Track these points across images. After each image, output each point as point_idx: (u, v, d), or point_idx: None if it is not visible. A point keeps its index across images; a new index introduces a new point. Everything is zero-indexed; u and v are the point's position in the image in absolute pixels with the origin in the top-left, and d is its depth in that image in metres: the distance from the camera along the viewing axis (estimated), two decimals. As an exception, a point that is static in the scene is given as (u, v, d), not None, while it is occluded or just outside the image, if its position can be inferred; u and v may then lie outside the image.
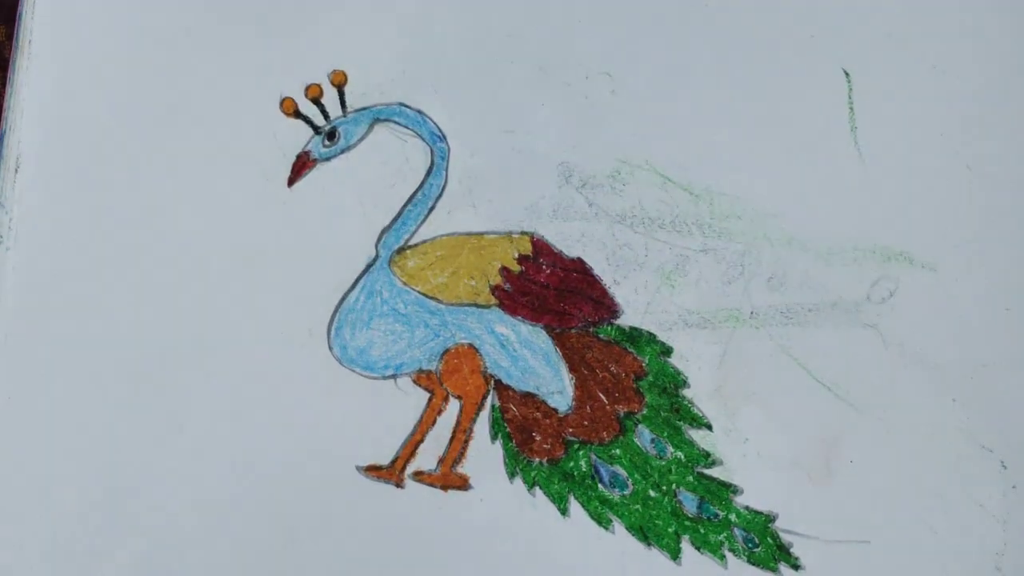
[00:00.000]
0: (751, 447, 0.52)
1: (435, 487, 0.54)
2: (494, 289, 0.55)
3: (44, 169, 0.57)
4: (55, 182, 0.57)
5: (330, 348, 0.55)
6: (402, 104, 0.57)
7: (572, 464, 0.53)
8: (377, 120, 0.57)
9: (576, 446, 0.53)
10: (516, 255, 0.55)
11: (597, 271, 0.55)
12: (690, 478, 0.53)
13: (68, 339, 0.56)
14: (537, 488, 0.54)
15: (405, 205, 0.57)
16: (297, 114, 0.57)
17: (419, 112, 0.57)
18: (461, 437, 0.54)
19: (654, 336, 0.54)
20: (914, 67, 0.56)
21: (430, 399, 0.55)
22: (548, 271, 0.55)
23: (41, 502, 0.53)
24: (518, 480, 0.54)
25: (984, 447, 0.51)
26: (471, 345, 0.55)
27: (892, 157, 0.55)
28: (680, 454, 0.53)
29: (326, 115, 0.57)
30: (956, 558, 0.51)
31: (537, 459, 0.54)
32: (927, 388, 0.53)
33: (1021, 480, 0.51)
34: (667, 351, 0.54)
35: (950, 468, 0.52)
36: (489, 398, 0.55)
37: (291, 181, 0.57)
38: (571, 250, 0.56)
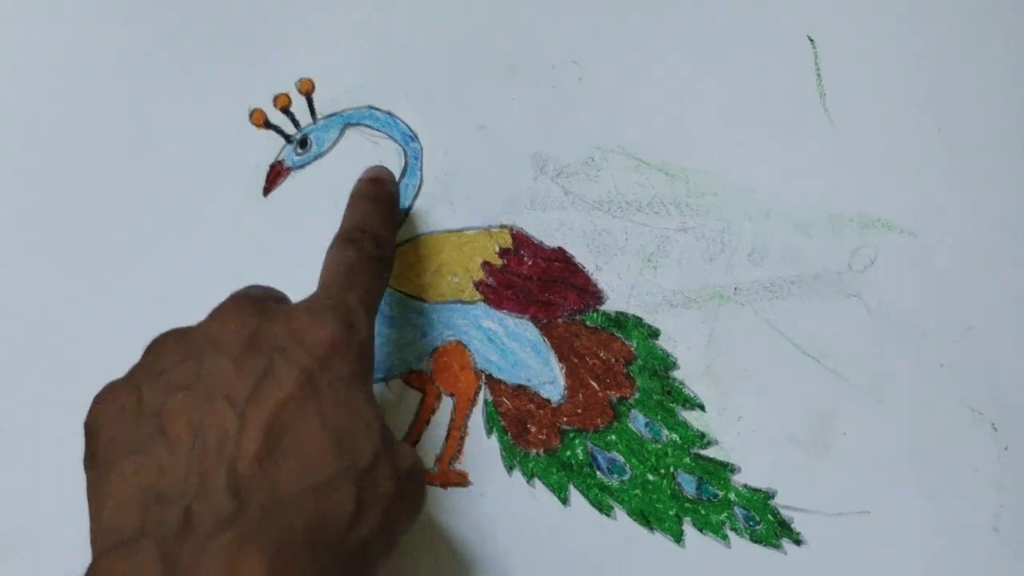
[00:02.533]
0: (745, 425, 0.51)
1: (435, 485, 0.52)
2: (477, 284, 0.53)
3: (10, 192, 0.55)
4: (22, 204, 0.55)
5: (318, 356, 0.51)
6: (371, 107, 0.55)
7: (569, 453, 0.52)
8: (348, 125, 0.55)
9: (571, 435, 0.52)
10: (497, 249, 0.53)
11: (578, 259, 0.53)
12: (687, 459, 0.51)
13: (45, 356, 0.54)
14: (536, 479, 0.52)
15: (383, 207, 0.52)
16: (267, 125, 0.55)
17: (389, 114, 0.55)
18: (456, 434, 0.52)
19: (640, 319, 0.52)
20: (879, 29, 0.54)
21: (422, 399, 0.53)
22: (530, 263, 0.53)
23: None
24: (517, 473, 0.52)
25: (975, 410, 0.50)
26: (459, 342, 0.53)
27: (863, 122, 0.53)
28: (675, 436, 0.51)
29: (296, 124, 0.55)
30: (954, 522, 0.49)
31: (534, 450, 0.52)
32: (914, 354, 0.51)
33: (1013, 442, 0.50)
34: (654, 333, 0.52)
35: (942, 434, 0.50)
36: (481, 393, 0.53)
37: (266, 191, 0.55)
38: (551, 240, 0.54)
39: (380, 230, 0.49)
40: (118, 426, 0.41)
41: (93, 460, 0.40)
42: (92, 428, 0.41)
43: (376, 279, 0.47)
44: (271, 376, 0.41)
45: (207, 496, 0.37)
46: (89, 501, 0.40)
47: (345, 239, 0.48)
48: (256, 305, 0.43)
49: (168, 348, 0.43)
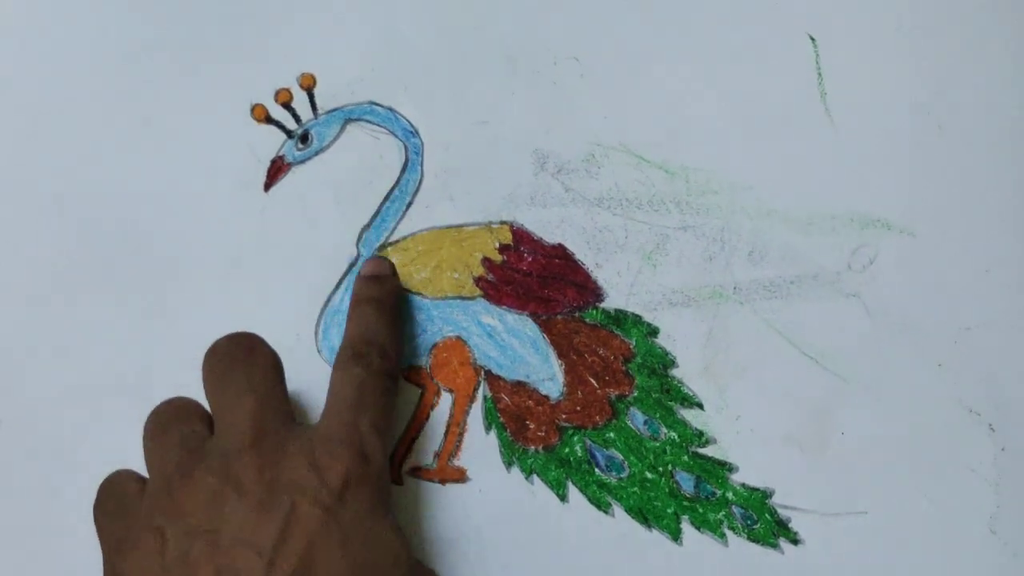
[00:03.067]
0: (743, 424, 0.50)
1: (433, 482, 0.52)
2: (477, 280, 0.53)
3: (12, 185, 0.55)
4: (22, 200, 0.55)
5: (319, 351, 0.53)
6: (372, 102, 0.55)
7: (568, 450, 0.51)
8: (349, 120, 0.55)
9: (570, 432, 0.51)
10: (497, 245, 0.53)
11: (578, 256, 0.53)
12: (685, 458, 0.51)
13: (43, 351, 0.54)
14: (535, 476, 0.51)
15: (383, 203, 0.54)
16: (269, 119, 0.55)
17: (390, 109, 0.54)
18: (455, 430, 0.52)
19: (640, 317, 0.52)
20: (880, 28, 0.53)
21: (421, 394, 0.53)
22: (530, 259, 0.53)
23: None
24: (515, 469, 0.52)
25: (972, 411, 0.50)
26: (459, 338, 0.53)
27: (863, 122, 0.52)
28: (674, 434, 0.51)
29: (297, 119, 0.55)
30: (951, 523, 0.49)
31: (532, 447, 0.52)
32: (912, 354, 0.51)
33: (1010, 442, 0.50)
34: (653, 331, 0.51)
35: (940, 434, 0.50)
36: (480, 389, 0.52)
37: (267, 186, 0.55)
38: (551, 236, 0.53)
39: (386, 340, 0.49)
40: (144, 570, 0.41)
41: None
42: (115, 565, 0.42)
43: (386, 396, 0.48)
44: (294, 519, 0.41)
45: None
46: None
47: (352, 354, 0.48)
48: (272, 436, 0.43)
49: (187, 488, 0.42)
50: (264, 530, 0.41)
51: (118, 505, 0.44)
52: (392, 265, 0.52)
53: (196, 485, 0.43)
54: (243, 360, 0.47)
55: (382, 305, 0.50)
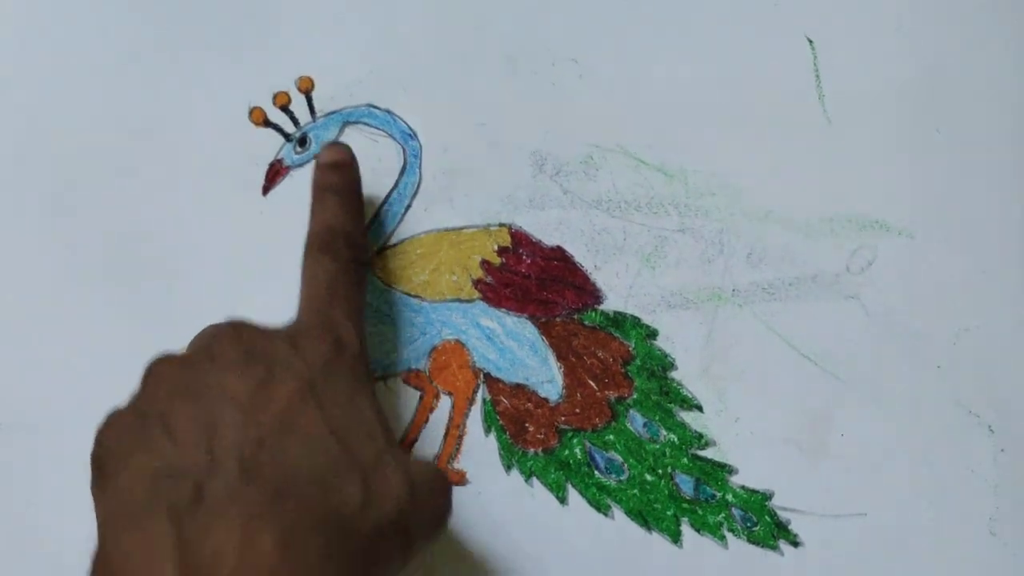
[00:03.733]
0: (743, 426, 0.50)
1: (433, 484, 0.49)
2: (476, 283, 0.52)
3: (9, 189, 0.54)
4: (20, 202, 0.54)
5: (318, 353, 0.50)
6: (371, 105, 0.54)
7: (567, 452, 0.51)
8: (347, 123, 0.54)
9: (570, 434, 0.51)
10: (496, 247, 0.53)
11: (577, 258, 0.53)
12: (685, 460, 0.51)
13: (42, 352, 0.53)
14: (534, 478, 0.51)
15: (381, 205, 0.54)
16: (267, 123, 0.54)
17: (388, 112, 0.54)
18: (455, 433, 0.52)
19: (639, 319, 0.52)
20: (878, 30, 0.53)
21: (421, 397, 0.52)
22: (528, 261, 0.52)
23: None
24: (515, 472, 0.51)
25: (971, 412, 0.50)
26: (458, 340, 0.52)
27: (861, 124, 0.52)
28: (673, 437, 0.51)
29: (296, 122, 0.54)
30: (951, 525, 0.49)
31: (532, 449, 0.51)
32: (912, 356, 0.51)
33: (1009, 444, 0.50)
34: (652, 334, 0.51)
35: (939, 436, 0.50)
36: (480, 392, 0.52)
37: (266, 190, 0.54)
38: (550, 239, 0.53)
39: (351, 228, 0.49)
40: (122, 437, 0.40)
41: (99, 473, 0.39)
42: (97, 453, 0.40)
43: (356, 285, 0.47)
44: (273, 382, 0.40)
45: (217, 473, 0.37)
46: (96, 505, 0.38)
47: (319, 246, 0.47)
48: (247, 326, 0.43)
49: (164, 368, 0.42)
50: (243, 389, 0.40)
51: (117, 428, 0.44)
52: (351, 151, 0.51)
53: (172, 363, 0.42)
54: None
55: (344, 193, 0.50)
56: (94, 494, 0.39)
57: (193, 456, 0.38)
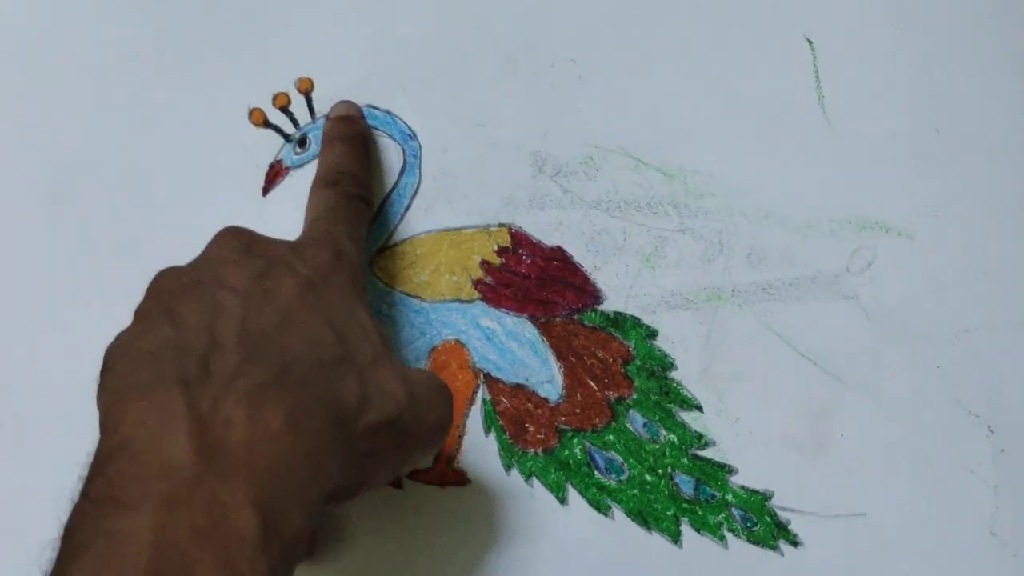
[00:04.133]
0: (742, 426, 0.50)
1: (433, 484, 0.51)
2: (476, 283, 0.52)
3: (8, 189, 0.54)
4: (20, 203, 0.54)
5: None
6: (370, 106, 0.54)
7: (567, 452, 0.51)
8: (347, 123, 0.52)
9: (570, 434, 0.51)
10: (495, 248, 0.53)
11: (577, 258, 0.53)
12: (685, 460, 0.51)
13: (41, 354, 0.53)
14: (534, 478, 0.51)
15: (381, 206, 0.54)
16: (267, 124, 0.54)
17: (388, 112, 0.54)
18: (455, 433, 0.52)
19: (638, 320, 0.52)
20: (877, 31, 0.53)
21: (421, 398, 0.50)
22: (528, 261, 0.52)
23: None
24: (515, 472, 0.51)
25: (971, 413, 0.50)
26: (458, 341, 0.52)
27: (861, 124, 0.52)
28: (673, 437, 0.51)
29: (295, 123, 0.54)
30: (950, 525, 0.49)
31: (532, 450, 0.51)
32: (911, 356, 0.51)
33: (1008, 444, 0.50)
34: (652, 334, 0.51)
35: (939, 436, 0.50)
36: (480, 392, 0.52)
37: (265, 191, 0.54)
38: (549, 239, 0.53)
39: (357, 170, 0.50)
40: (128, 336, 0.40)
41: (103, 370, 0.39)
42: (104, 364, 0.40)
43: (359, 215, 0.48)
44: (272, 276, 0.41)
45: (221, 351, 0.37)
46: (100, 396, 0.38)
47: (324, 182, 0.49)
48: (246, 230, 0.44)
49: (166, 275, 0.42)
50: (243, 279, 0.40)
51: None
52: (360, 109, 0.53)
53: (174, 270, 0.42)
54: None
55: (353, 141, 0.51)
56: (98, 392, 0.39)
57: (196, 336, 0.38)
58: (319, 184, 0.49)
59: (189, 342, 0.37)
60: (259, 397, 0.35)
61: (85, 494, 0.35)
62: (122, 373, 0.37)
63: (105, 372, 0.39)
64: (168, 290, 0.41)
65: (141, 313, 0.41)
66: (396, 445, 0.40)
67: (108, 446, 0.36)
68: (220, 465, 0.34)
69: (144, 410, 0.35)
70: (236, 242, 0.42)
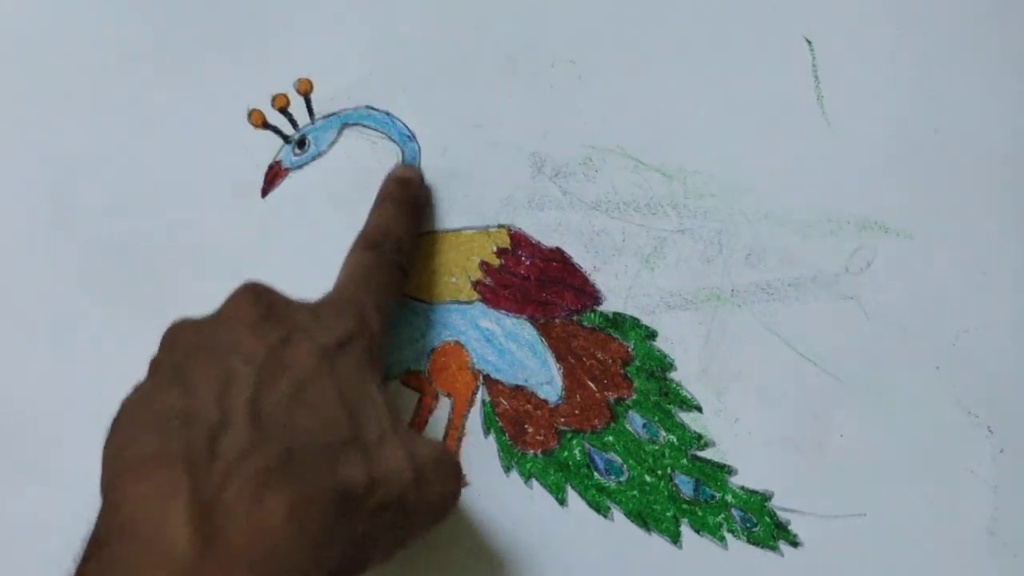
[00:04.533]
0: (742, 426, 0.50)
1: (432, 486, 0.49)
2: (475, 284, 0.52)
3: (6, 193, 0.54)
4: (18, 206, 0.54)
5: (318, 356, 0.50)
6: (369, 107, 0.54)
7: (566, 454, 0.51)
8: (346, 124, 0.54)
9: (569, 435, 0.51)
10: (495, 249, 0.53)
11: (576, 259, 0.52)
12: (684, 461, 0.51)
13: (40, 356, 0.53)
14: (534, 480, 0.51)
15: (380, 208, 0.52)
16: (266, 125, 0.54)
17: (387, 113, 0.54)
18: (454, 434, 0.52)
19: (638, 320, 0.52)
20: (876, 31, 0.53)
21: (420, 399, 0.52)
22: (528, 262, 0.52)
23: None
24: (514, 473, 0.51)
25: (971, 413, 0.50)
26: (457, 342, 0.52)
27: (860, 125, 0.52)
28: (672, 438, 0.51)
29: (295, 124, 0.54)
30: (950, 525, 0.49)
31: (531, 451, 0.51)
32: (911, 357, 0.50)
33: (1008, 444, 0.50)
34: (652, 335, 0.51)
35: (938, 436, 0.50)
36: (479, 393, 0.52)
37: (264, 192, 0.54)
38: (549, 240, 0.53)
39: (403, 236, 0.49)
40: (136, 396, 0.40)
41: (111, 427, 0.39)
42: (115, 420, 0.40)
43: (393, 283, 0.48)
44: (288, 345, 0.41)
45: (229, 426, 0.37)
46: (104, 458, 0.38)
47: (367, 242, 0.48)
48: (268, 289, 0.43)
49: (181, 329, 0.42)
50: (259, 349, 0.40)
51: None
52: (422, 174, 0.52)
53: (190, 325, 0.42)
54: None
55: (404, 204, 0.51)
56: (104, 446, 0.39)
57: (206, 407, 0.38)
58: (361, 243, 0.48)
59: (198, 413, 0.37)
60: (263, 484, 0.35)
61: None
62: (130, 436, 0.37)
63: (113, 428, 0.39)
64: (183, 348, 0.41)
65: (154, 367, 0.41)
66: (397, 525, 0.40)
67: (108, 525, 0.36)
68: (220, 553, 0.34)
69: (146, 491, 0.35)
70: (256, 305, 0.42)
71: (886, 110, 0.52)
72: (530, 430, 0.51)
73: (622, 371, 0.51)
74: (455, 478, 0.43)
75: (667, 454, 0.51)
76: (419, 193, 0.52)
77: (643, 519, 0.50)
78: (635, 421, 0.51)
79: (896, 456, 0.50)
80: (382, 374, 0.45)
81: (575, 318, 0.52)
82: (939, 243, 0.51)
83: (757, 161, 0.52)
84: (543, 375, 0.52)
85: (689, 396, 0.51)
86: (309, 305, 0.44)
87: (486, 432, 0.52)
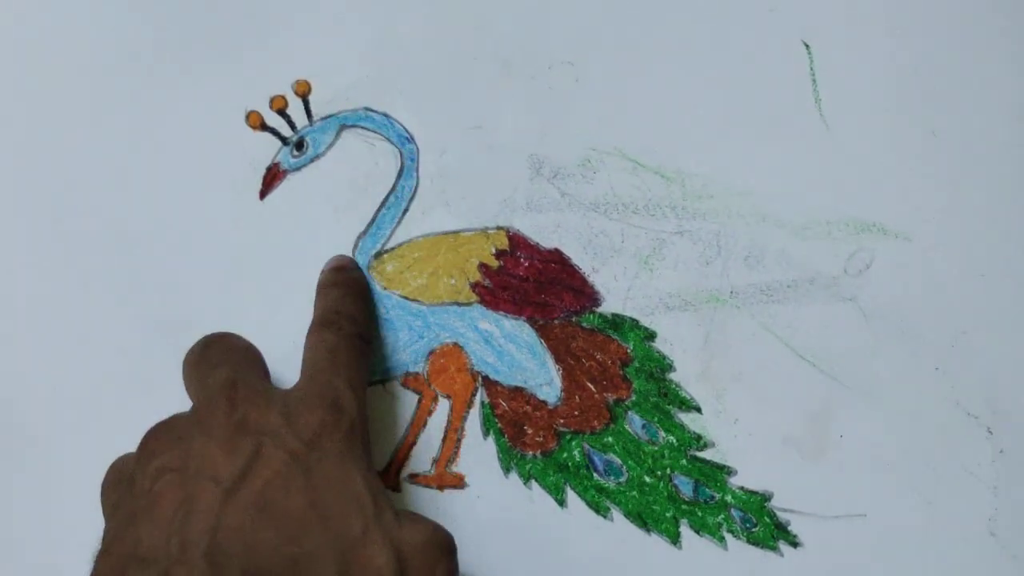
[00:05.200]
0: (741, 427, 0.50)
1: (431, 488, 0.51)
2: (474, 286, 0.52)
3: (3, 195, 0.54)
4: (15, 208, 0.54)
5: (316, 358, 0.50)
6: (368, 108, 0.54)
7: (566, 455, 0.51)
8: (344, 126, 0.54)
9: (568, 437, 0.51)
10: (493, 250, 0.52)
11: (575, 260, 0.52)
12: (684, 462, 0.51)
13: (39, 358, 0.53)
14: (533, 481, 0.51)
15: (379, 209, 0.53)
16: (264, 127, 0.54)
17: (385, 115, 0.54)
18: (453, 436, 0.52)
19: (637, 321, 0.52)
20: (874, 34, 0.53)
21: (419, 401, 0.52)
22: (526, 264, 0.52)
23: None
24: (513, 475, 0.51)
25: (970, 414, 0.50)
26: (456, 344, 0.52)
27: (858, 127, 0.52)
28: (672, 438, 0.51)
29: (293, 126, 0.54)
30: (950, 526, 0.49)
31: (531, 452, 0.51)
32: (910, 358, 0.50)
33: (1008, 445, 0.50)
34: (651, 336, 0.51)
35: (938, 437, 0.50)
36: (478, 395, 0.52)
37: (263, 194, 0.54)
38: (547, 241, 0.52)
39: (355, 312, 0.49)
40: (115, 517, 0.41)
41: (101, 542, 0.41)
42: (103, 508, 0.42)
43: (359, 357, 0.47)
44: (258, 458, 0.40)
45: (185, 561, 0.37)
46: None
47: (321, 323, 0.48)
48: (244, 391, 0.43)
49: (159, 436, 0.43)
50: (227, 466, 0.40)
51: (117, 477, 0.44)
52: (353, 261, 0.52)
53: (166, 432, 0.42)
54: (217, 344, 0.47)
55: (348, 287, 0.50)
56: None
57: (165, 544, 0.38)
58: (316, 326, 0.48)
59: (155, 556, 0.38)
60: None
61: None
62: (97, 571, 0.39)
63: (98, 560, 0.40)
64: (157, 463, 0.41)
65: (132, 483, 0.42)
66: None
67: None
68: None
69: None
70: (231, 414, 0.42)
71: (884, 112, 0.52)
72: (529, 431, 0.51)
73: (621, 372, 0.51)
74: (446, 560, 0.42)
75: (666, 455, 0.51)
76: (357, 276, 0.51)
77: (643, 520, 0.50)
78: (634, 422, 0.51)
79: (896, 456, 0.50)
80: (367, 456, 0.44)
81: (574, 319, 0.52)
82: (937, 245, 0.51)
83: (756, 163, 0.52)
84: (542, 376, 0.51)
85: (688, 397, 0.51)
86: (281, 400, 0.43)
87: (485, 434, 0.51)
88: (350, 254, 0.52)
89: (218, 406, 0.43)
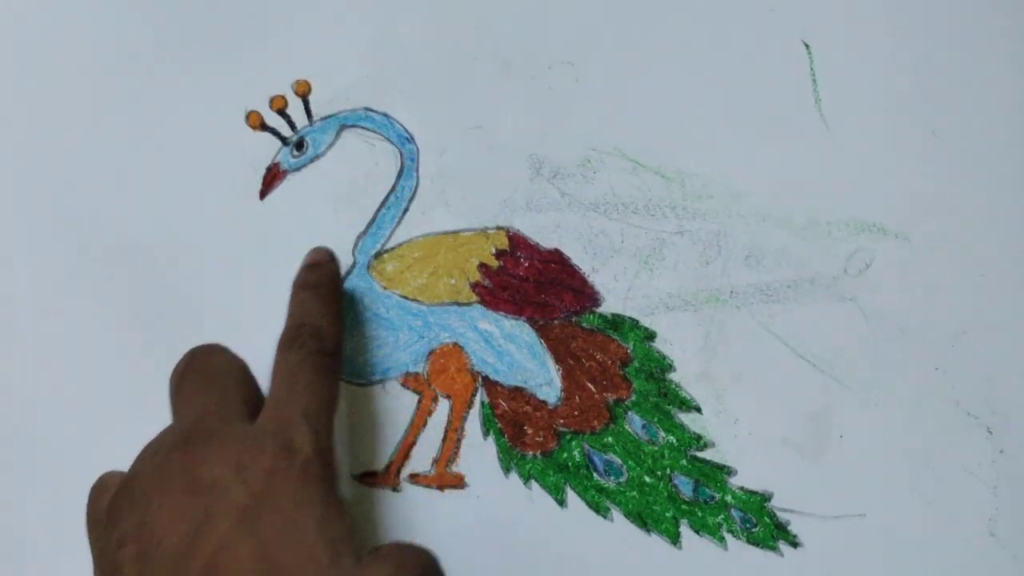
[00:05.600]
0: (741, 427, 0.50)
1: (431, 488, 0.51)
2: (474, 286, 0.52)
3: (3, 194, 0.54)
4: (15, 207, 0.54)
5: (316, 358, 0.50)
6: (368, 108, 0.54)
7: (566, 455, 0.51)
8: (344, 126, 0.54)
9: (568, 437, 0.51)
10: (493, 250, 0.52)
11: (575, 260, 0.52)
12: (684, 462, 0.51)
13: (37, 358, 0.53)
14: (533, 481, 0.51)
15: (378, 209, 0.53)
16: (264, 127, 0.54)
17: (385, 115, 0.54)
18: (453, 436, 0.52)
19: (637, 321, 0.52)
20: (874, 34, 0.53)
21: (419, 401, 0.52)
22: (526, 264, 0.52)
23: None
24: (513, 475, 0.51)
25: (970, 414, 0.50)
26: (456, 344, 0.52)
27: (858, 127, 0.52)
28: (672, 438, 0.51)
29: (293, 126, 0.54)
30: (950, 526, 0.49)
31: (531, 452, 0.51)
32: (909, 358, 0.50)
33: (1008, 445, 0.50)
34: (651, 336, 0.51)
35: (938, 437, 0.50)
36: (478, 395, 0.52)
37: (263, 194, 0.54)
38: (547, 241, 0.52)
39: (321, 322, 0.48)
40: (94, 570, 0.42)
41: None
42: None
43: (321, 377, 0.46)
44: (208, 522, 0.40)
45: None
46: None
47: (286, 340, 0.47)
48: (202, 439, 0.42)
49: (122, 497, 0.42)
50: (177, 532, 0.40)
51: (95, 511, 0.44)
52: (330, 252, 0.52)
53: (128, 493, 0.42)
54: (198, 367, 0.46)
55: (319, 289, 0.50)
56: None
57: None
58: (281, 346, 0.47)
59: None
60: None
61: None
62: None
63: None
64: (118, 532, 0.41)
65: (100, 544, 0.43)
66: None
67: None
68: None
69: None
70: (187, 469, 0.42)
71: (884, 112, 0.52)
72: (529, 431, 0.51)
73: (621, 372, 0.51)
74: None
75: (666, 455, 0.51)
76: (331, 271, 0.51)
77: (643, 520, 0.50)
78: (634, 422, 0.51)
79: (896, 457, 0.50)
80: (325, 493, 0.42)
81: (574, 319, 0.52)
82: (937, 245, 0.51)
83: (756, 163, 0.52)
84: (542, 376, 0.51)
85: (688, 397, 0.51)
86: (241, 439, 0.42)
87: (485, 434, 0.51)
88: (350, 254, 0.52)
89: (174, 460, 0.42)
